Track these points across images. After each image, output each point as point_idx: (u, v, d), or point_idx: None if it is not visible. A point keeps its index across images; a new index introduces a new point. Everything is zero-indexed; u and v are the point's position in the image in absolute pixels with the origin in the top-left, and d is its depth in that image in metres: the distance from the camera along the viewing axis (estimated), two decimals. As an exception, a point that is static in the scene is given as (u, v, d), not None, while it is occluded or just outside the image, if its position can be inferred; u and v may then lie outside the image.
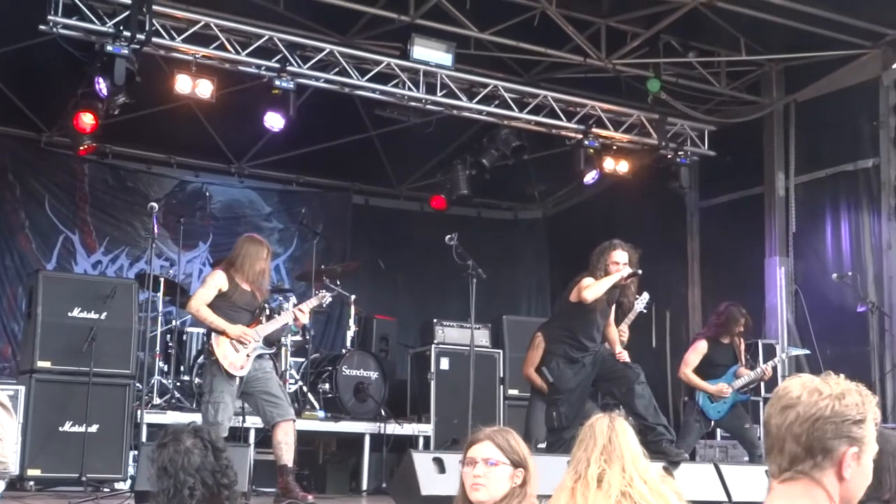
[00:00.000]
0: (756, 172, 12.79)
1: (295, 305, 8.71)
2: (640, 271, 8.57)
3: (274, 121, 10.70)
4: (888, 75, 11.54)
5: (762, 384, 10.86)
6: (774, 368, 10.31)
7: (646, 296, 9.40)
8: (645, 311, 9.58)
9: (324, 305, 8.77)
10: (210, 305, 7.91)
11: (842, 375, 2.39)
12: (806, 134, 12.44)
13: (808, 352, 11.27)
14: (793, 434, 2.31)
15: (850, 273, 11.17)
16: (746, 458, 9.96)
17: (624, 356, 8.84)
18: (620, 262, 8.48)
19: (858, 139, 11.78)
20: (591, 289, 8.37)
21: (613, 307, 8.87)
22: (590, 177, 12.28)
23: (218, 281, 7.96)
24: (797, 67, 12.38)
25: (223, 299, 7.94)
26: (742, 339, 10.10)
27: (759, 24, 11.29)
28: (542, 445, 8.79)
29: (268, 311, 8.30)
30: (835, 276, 11.18)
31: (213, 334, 7.90)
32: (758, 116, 12.76)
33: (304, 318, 8.46)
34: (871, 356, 11.03)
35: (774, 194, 12.52)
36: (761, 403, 11.66)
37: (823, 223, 12.13)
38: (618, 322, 9.11)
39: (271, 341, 8.28)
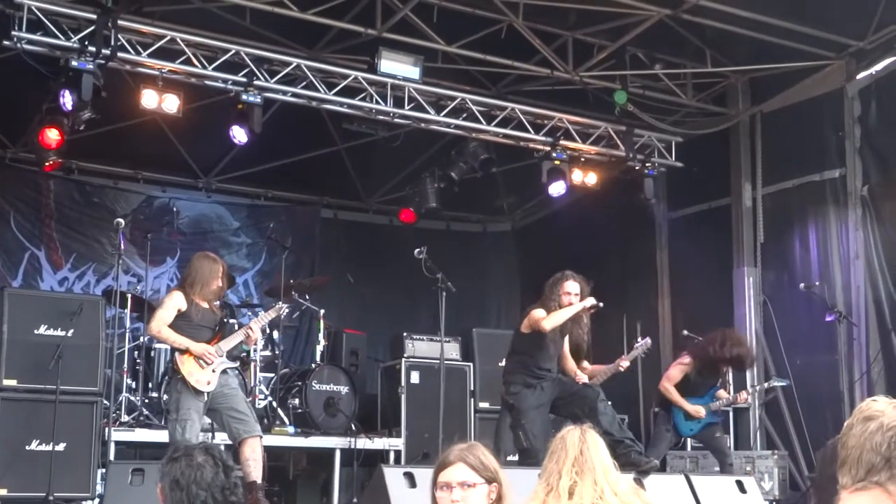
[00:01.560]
0: (723, 183, 12.85)
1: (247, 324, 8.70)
2: (600, 304, 8.62)
3: (239, 134, 10.66)
4: (852, 86, 11.64)
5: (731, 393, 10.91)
6: (749, 396, 10.42)
7: (648, 341, 9.48)
8: (643, 356, 9.65)
9: (282, 317, 8.77)
10: (172, 325, 7.95)
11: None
12: (772, 145, 12.51)
13: (786, 383, 11.22)
14: (873, 444, 2.30)
15: (817, 283, 11.23)
16: (717, 468, 9.98)
17: (582, 379, 8.90)
18: (572, 292, 8.58)
19: (824, 150, 11.86)
20: (550, 319, 8.49)
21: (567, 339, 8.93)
22: (556, 189, 12.26)
23: (176, 301, 8.02)
24: (762, 79, 12.46)
25: (183, 318, 8.00)
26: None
27: (725, 36, 11.37)
28: (514, 458, 8.79)
29: (236, 326, 8.28)
30: (802, 285, 11.24)
31: (178, 352, 7.91)
32: (724, 127, 12.82)
33: (255, 334, 8.45)
34: (840, 365, 11.08)
35: (741, 205, 12.59)
36: (731, 414, 11.72)
37: (791, 233, 12.20)
38: (575, 357, 9.15)
39: (235, 356, 8.28)
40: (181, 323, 7.98)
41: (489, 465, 4.08)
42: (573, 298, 8.62)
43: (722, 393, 9.89)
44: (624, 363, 9.51)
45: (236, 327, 8.34)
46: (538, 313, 8.54)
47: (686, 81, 12.65)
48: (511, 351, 8.96)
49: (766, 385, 10.97)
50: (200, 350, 7.86)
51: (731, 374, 10.44)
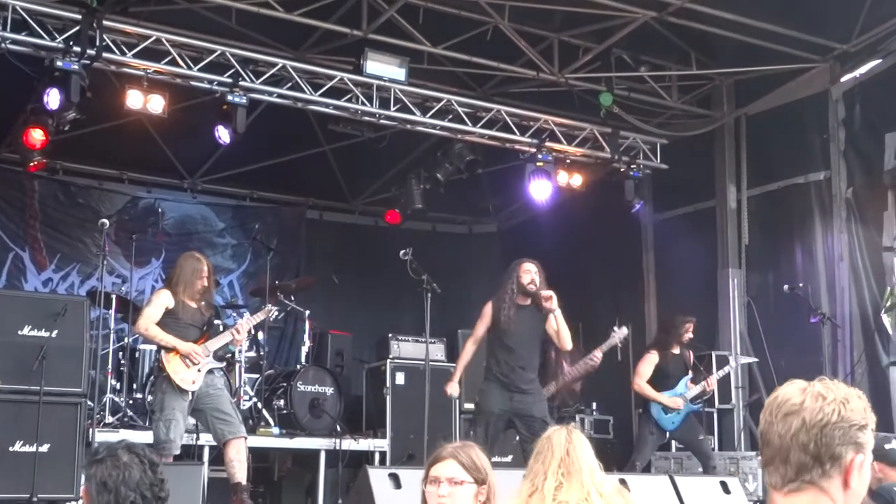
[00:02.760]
0: (708, 185, 12.88)
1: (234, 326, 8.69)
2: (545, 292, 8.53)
3: (224, 135, 10.64)
4: (837, 89, 11.68)
5: (716, 394, 10.96)
6: (727, 377, 10.42)
7: (625, 330, 9.47)
8: (620, 345, 9.66)
9: (270, 319, 8.78)
10: (159, 323, 7.95)
11: (836, 380, 2.33)
12: (757, 147, 12.55)
13: (756, 359, 11.39)
14: (799, 442, 2.22)
15: (801, 284, 11.26)
16: (700, 470, 10.01)
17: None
18: (531, 271, 8.52)
19: (809, 152, 11.90)
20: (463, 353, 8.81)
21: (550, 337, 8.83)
22: (541, 192, 12.25)
23: (164, 299, 8.05)
24: (747, 81, 12.49)
25: (170, 317, 8.02)
26: (691, 350, 10.21)
27: (710, 39, 11.40)
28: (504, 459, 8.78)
29: (221, 327, 8.28)
30: (786, 287, 11.27)
31: (164, 351, 7.91)
32: (709, 130, 12.86)
33: (241, 336, 8.45)
34: (824, 366, 11.10)
35: (727, 207, 12.62)
36: (715, 414, 11.76)
37: (776, 235, 12.24)
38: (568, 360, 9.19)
39: (221, 356, 8.27)
40: (169, 321, 8.00)
41: (480, 465, 4.08)
42: (534, 276, 8.57)
43: (690, 384, 9.96)
44: (598, 354, 9.52)
45: (221, 328, 8.33)
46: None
47: (671, 84, 12.68)
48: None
49: (732, 365, 11.00)
50: (187, 349, 7.86)
51: (700, 363, 10.48)
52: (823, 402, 2.24)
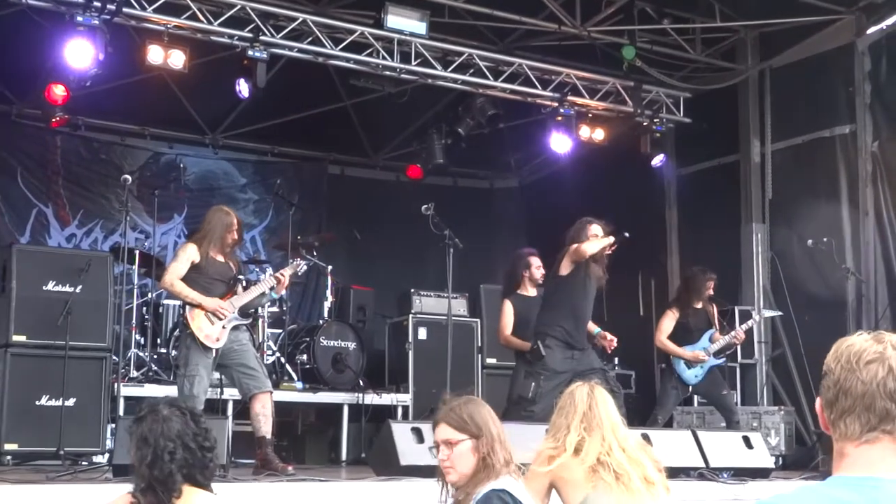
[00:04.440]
0: (732, 139, 12.79)
1: (271, 275, 8.66)
2: (626, 234, 8.56)
3: (244, 89, 10.60)
4: (863, 41, 11.54)
5: (738, 349, 10.94)
6: (748, 331, 10.38)
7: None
8: (299, 274, 9.24)
9: (299, 273, 8.75)
10: (185, 278, 7.90)
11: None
12: (782, 100, 12.44)
13: (780, 313, 11.35)
14: (887, 390, 2.15)
15: (825, 239, 11.19)
16: (723, 424, 10.02)
17: (608, 339, 8.91)
18: (599, 234, 8.51)
19: (834, 105, 11.79)
20: (589, 244, 8.39)
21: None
22: (562, 146, 12.24)
23: (190, 253, 7.96)
24: (772, 34, 12.36)
25: (197, 271, 7.94)
26: (714, 304, 10.17)
27: (734, -10, 11.28)
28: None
29: (244, 282, 8.27)
30: (810, 242, 11.21)
31: (189, 307, 7.89)
32: (733, 83, 12.74)
33: (285, 282, 8.41)
34: (848, 322, 11.09)
35: (750, 161, 12.54)
36: (738, 369, 11.75)
37: (800, 190, 12.16)
38: None
39: (247, 311, 8.26)
40: (195, 275, 7.92)
41: (474, 419, 4.04)
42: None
43: (717, 335, 9.92)
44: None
45: (243, 283, 8.31)
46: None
47: (695, 36, 12.56)
48: (545, 302, 8.86)
49: (757, 317, 10.95)
50: (213, 305, 7.82)
51: (722, 318, 10.44)
52: None
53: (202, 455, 3.55)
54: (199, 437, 3.56)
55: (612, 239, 8.45)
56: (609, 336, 8.94)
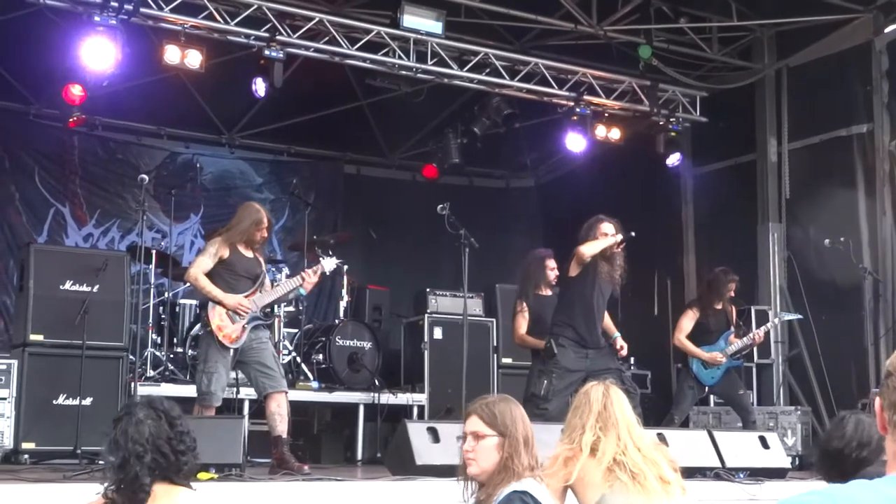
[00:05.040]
0: (749, 139, 12.76)
1: (288, 276, 8.66)
2: (633, 234, 8.56)
3: (261, 88, 10.61)
4: (880, 40, 11.49)
5: (755, 349, 10.89)
6: (767, 333, 10.34)
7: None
8: (328, 273, 9.02)
9: (327, 273, 8.66)
10: (211, 272, 7.88)
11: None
12: (799, 99, 12.39)
13: (800, 316, 11.31)
14: None
15: (842, 239, 11.15)
16: (740, 425, 9.99)
17: (620, 345, 8.91)
18: (609, 233, 8.51)
19: (852, 104, 11.74)
20: (587, 246, 8.38)
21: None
22: (577, 145, 12.27)
23: (218, 248, 7.93)
24: (789, 32, 12.32)
25: (224, 266, 7.92)
26: (734, 305, 10.14)
27: (751, -11, 11.25)
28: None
29: (271, 281, 8.26)
30: (827, 241, 11.17)
31: (210, 304, 7.88)
32: (750, 82, 12.71)
33: (314, 279, 8.34)
34: (865, 322, 11.05)
35: (767, 160, 12.50)
36: (754, 370, 11.72)
37: (817, 189, 12.11)
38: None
39: (268, 310, 8.24)
40: (221, 270, 7.90)
41: (504, 418, 4.09)
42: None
43: (734, 337, 9.89)
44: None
45: (269, 281, 8.29)
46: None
47: (711, 35, 12.52)
48: (559, 301, 8.88)
49: (776, 321, 10.91)
50: (234, 303, 7.81)
51: (739, 318, 10.40)
52: None
53: (175, 458, 3.51)
54: (173, 440, 3.53)
55: (612, 240, 8.42)
56: (620, 344, 8.95)
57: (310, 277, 8.20)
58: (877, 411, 2.23)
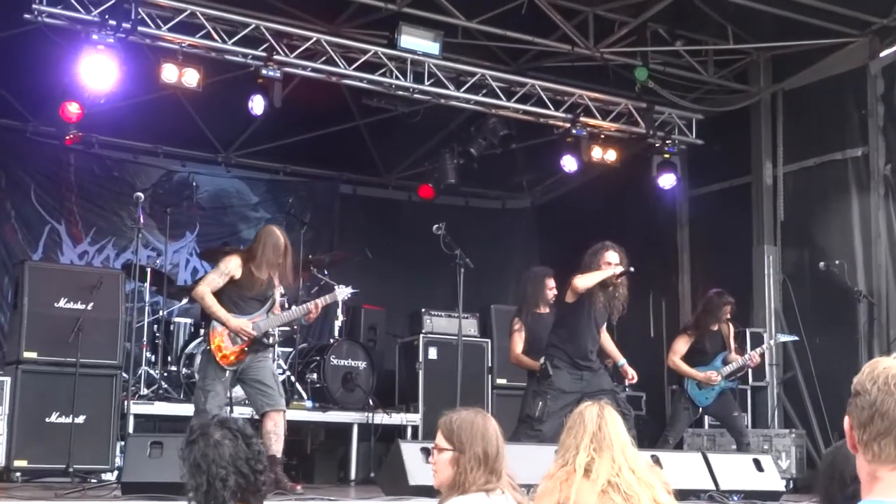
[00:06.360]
0: (744, 161, 12.78)
1: (283, 295, 8.61)
2: (632, 269, 8.55)
3: (258, 106, 10.60)
4: (875, 64, 11.53)
5: (750, 372, 10.90)
6: (762, 355, 10.34)
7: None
8: (345, 300, 9.13)
9: (339, 301, 8.60)
10: (220, 291, 7.85)
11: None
12: (794, 122, 12.43)
13: (797, 337, 11.30)
14: None
15: (837, 262, 11.16)
16: (734, 447, 9.98)
17: (631, 375, 8.92)
18: (612, 262, 8.49)
19: (847, 128, 11.78)
20: (582, 278, 8.36)
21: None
22: (569, 165, 12.34)
23: (231, 267, 7.88)
24: (784, 56, 12.37)
25: (234, 286, 7.89)
26: (731, 326, 10.14)
27: (746, 13, 11.28)
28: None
29: (281, 304, 8.22)
30: (822, 264, 11.18)
31: (213, 322, 7.85)
32: (745, 105, 12.75)
33: (317, 313, 8.38)
34: (860, 345, 11.04)
35: (762, 183, 12.52)
36: (748, 392, 11.71)
37: (812, 212, 12.13)
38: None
39: (270, 337, 8.20)
40: (231, 290, 7.88)
41: (458, 433, 4.14)
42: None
43: (731, 357, 9.88)
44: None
45: (279, 304, 8.27)
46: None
47: (707, 58, 12.57)
48: (555, 324, 8.84)
49: (772, 342, 10.92)
50: (236, 326, 7.78)
51: (735, 340, 10.40)
52: None
53: (255, 479, 3.46)
54: (251, 460, 3.46)
55: (610, 272, 8.40)
56: (631, 373, 8.97)
57: (317, 310, 8.20)
58: (846, 430, 2.20)
